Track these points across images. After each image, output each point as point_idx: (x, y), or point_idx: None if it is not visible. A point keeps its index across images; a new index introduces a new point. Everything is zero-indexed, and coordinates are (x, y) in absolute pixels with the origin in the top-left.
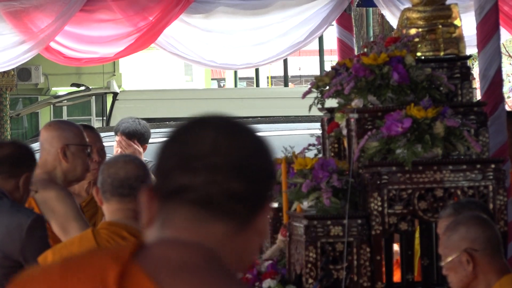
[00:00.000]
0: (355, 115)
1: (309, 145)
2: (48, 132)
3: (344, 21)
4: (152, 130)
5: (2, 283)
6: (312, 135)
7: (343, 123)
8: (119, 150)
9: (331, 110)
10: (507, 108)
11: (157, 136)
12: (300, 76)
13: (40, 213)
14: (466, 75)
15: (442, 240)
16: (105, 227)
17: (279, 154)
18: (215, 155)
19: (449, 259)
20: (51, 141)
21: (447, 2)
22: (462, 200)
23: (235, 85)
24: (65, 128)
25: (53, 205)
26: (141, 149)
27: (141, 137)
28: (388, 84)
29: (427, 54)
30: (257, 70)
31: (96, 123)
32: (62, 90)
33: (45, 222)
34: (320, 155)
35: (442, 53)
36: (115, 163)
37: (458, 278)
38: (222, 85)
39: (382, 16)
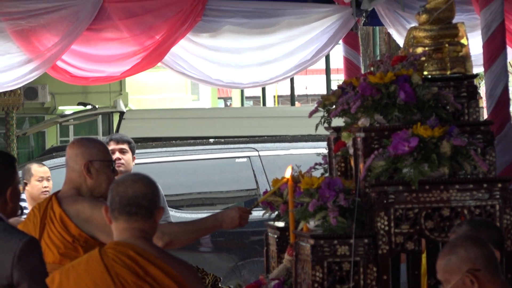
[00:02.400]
0: (362, 134)
1: (316, 164)
2: (72, 149)
3: (351, 40)
4: (158, 149)
5: None
6: (318, 154)
7: (349, 142)
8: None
9: (337, 129)
10: None
11: (164, 155)
12: (307, 95)
13: (33, 236)
14: (473, 94)
15: (440, 265)
16: (112, 247)
17: (286, 173)
18: None
19: (453, 282)
20: (75, 159)
21: (454, 21)
22: (476, 218)
23: (242, 104)
24: (88, 145)
25: (87, 214)
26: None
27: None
28: (394, 103)
29: (433, 73)
30: (263, 89)
31: None
32: (68, 109)
33: (38, 244)
34: (327, 174)
35: (448, 72)
36: (124, 181)
37: None
38: (228, 104)
39: (389, 35)
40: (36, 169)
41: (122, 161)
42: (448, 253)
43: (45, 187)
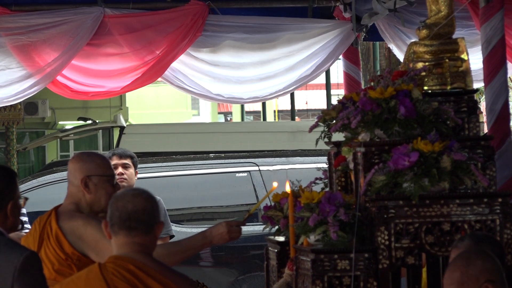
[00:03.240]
0: (362, 149)
1: (316, 178)
2: (72, 164)
3: (351, 55)
4: (159, 164)
5: None
6: (319, 168)
7: (350, 157)
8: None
9: (338, 144)
10: None
11: (164, 170)
12: (307, 110)
13: (33, 251)
14: (473, 109)
15: (454, 276)
16: (111, 261)
17: (286, 187)
18: None
19: None
20: (74, 173)
21: (454, 36)
22: (476, 233)
23: (242, 119)
24: (87, 160)
25: (80, 232)
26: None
27: (133, 158)
28: (395, 118)
29: (434, 88)
30: (264, 104)
31: None
32: (69, 124)
33: (38, 259)
34: (327, 189)
35: (449, 87)
36: (124, 196)
37: None
38: (229, 119)
39: (389, 50)
40: None
41: (125, 176)
42: (464, 265)
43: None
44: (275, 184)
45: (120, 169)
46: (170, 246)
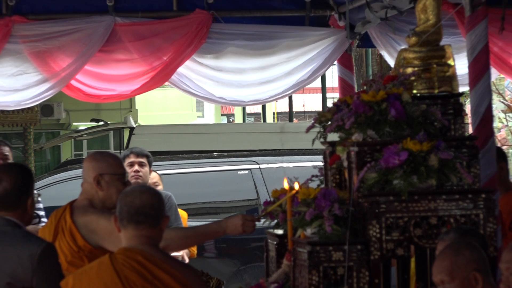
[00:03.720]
0: (355, 148)
1: (312, 176)
2: (86, 163)
3: (345, 61)
4: (165, 162)
5: None
6: (315, 167)
7: (344, 156)
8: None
9: (332, 144)
10: (497, 143)
11: (171, 168)
12: (304, 112)
13: (50, 242)
14: (459, 111)
15: (443, 266)
16: (121, 253)
17: (284, 184)
18: None
19: (458, 281)
20: (88, 171)
21: (441, 43)
22: (461, 226)
23: (244, 120)
24: (100, 159)
25: (93, 226)
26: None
27: (149, 157)
28: (386, 120)
29: (422, 91)
30: (264, 106)
31: None
32: (82, 125)
33: (55, 249)
34: (323, 186)
35: (436, 91)
36: (132, 192)
37: None
38: (231, 120)
39: (381, 56)
40: None
41: (140, 173)
42: (454, 255)
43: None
44: (296, 186)
45: (136, 167)
46: (185, 230)
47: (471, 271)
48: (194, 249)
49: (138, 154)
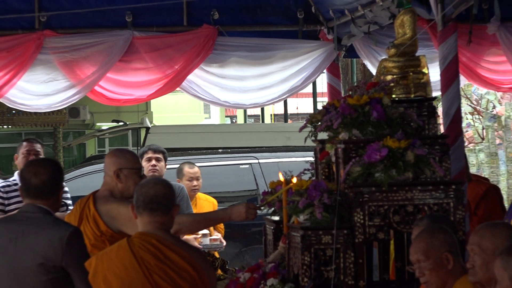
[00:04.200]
0: (342, 146)
1: (305, 169)
2: (107, 158)
3: (333, 69)
4: (177, 158)
5: (48, 286)
6: (307, 161)
7: (332, 152)
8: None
9: (322, 142)
10: (465, 141)
11: (181, 162)
12: (298, 114)
13: (76, 226)
14: (432, 113)
15: (419, 246)
16: (137, 236)
17: (279, 177)
18: None
19: (432, 260)
20: (109, 166)
21: (417, 54)
22: (434, 214)
23: (245, 121)
24: (119, 155)
25: (114, 213)
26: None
27: (164, 154)
28: (368, 120)
29: (400, 96)
30: (262, 109)
31: None
32: (104, 125)
33: (81, 233)
34: (314, 178)
35: (412, 95)
36: (147, 184)
37: (439, 276)
38: (234, 121)
39: (364, 65)
40: (187, 170)
41: (157, 167)
42: (429, 237)
43: (194, 185)
44: (294, 180)
45: (153, 162)
46: (196, 216)
47: (444, 252)
48: (222, 231)
49: (155, 151)
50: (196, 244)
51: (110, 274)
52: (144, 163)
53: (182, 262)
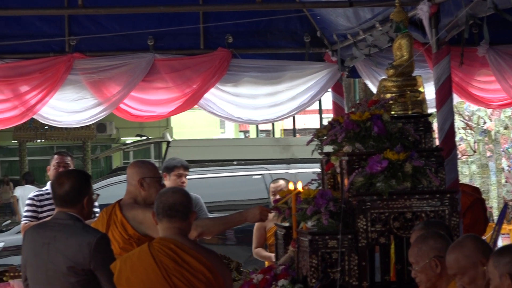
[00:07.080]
0: (346, 158)
1: (312, 180)
2: (130, 169)
3: (337, 88)
4: (195, 169)
5: (76, 287)
6: (314, 172)
7: (337, 164)
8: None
9: (328, 154)
10: (459, 154)
11: (199, 173)
12: (305, 129)
13: (104, 233)
14: (428, 128)
15: (413, 251)
16: (157, 241)
17: (289, 186)
18: None
19: (421, 264)
20: (132, 176)
21: (414, 74)
22: (429, 219)
23: (257, 135)
24: (141, 166)
25: (140, 218)
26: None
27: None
28: (370, 135)
29: (399, 112)
30: (273, 124)
31: None
32: (129, 139)
33: (108, 239)
34: (320, 188)
35: (410, 112)
36: (166, 193)
37: (428, 278)
38: (247, 136)
39: (365, 85)
40: (271, 185)
41: (185, 184)
42: (421, 242)
43: (182, 182)
44: (299, 186)
45: (183, 178)
46: (215, 219)
47: (433, 257)
48: None
49: (186, 168)
50: None
51: (132, 276)
52: (173, 177)
53: (198, 265)
